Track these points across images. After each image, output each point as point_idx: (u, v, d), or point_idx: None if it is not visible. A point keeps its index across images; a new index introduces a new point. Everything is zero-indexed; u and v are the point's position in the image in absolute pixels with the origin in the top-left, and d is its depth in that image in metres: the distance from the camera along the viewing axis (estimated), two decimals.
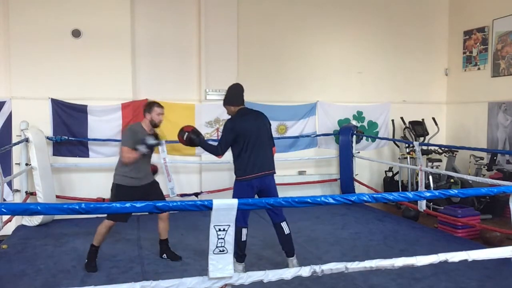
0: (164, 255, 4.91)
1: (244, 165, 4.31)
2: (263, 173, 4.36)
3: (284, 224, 4.48)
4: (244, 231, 4.32)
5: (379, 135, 8.42)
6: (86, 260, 4.60)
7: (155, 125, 4.70)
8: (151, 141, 4.41)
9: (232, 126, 4.32)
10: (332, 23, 8.23)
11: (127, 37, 6.96)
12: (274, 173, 4.50)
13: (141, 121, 4.77)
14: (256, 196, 4.44)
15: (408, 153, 7.71)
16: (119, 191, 4.54)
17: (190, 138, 4.46)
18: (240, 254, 4.34)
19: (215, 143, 4.53)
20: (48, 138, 6.55)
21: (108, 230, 4.60)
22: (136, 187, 4.56)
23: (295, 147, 8.00)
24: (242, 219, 4.25)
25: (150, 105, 4.74)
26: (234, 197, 4.32)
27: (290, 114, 7.91)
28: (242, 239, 4.31)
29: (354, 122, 8.11)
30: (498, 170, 7.08)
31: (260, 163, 4.35)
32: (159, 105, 4.77)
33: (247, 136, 4.31)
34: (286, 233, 4.47)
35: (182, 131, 4.52)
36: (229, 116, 4.52)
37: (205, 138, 7.25)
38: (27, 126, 6.25)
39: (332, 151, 8.20)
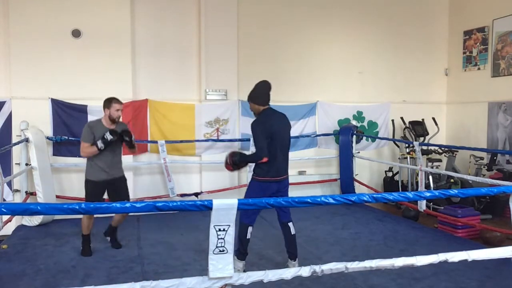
0: (108, 238, 5.27)
1: (267, 166, 4.26)
2: (282, 177, 4.37)
3: (291, 224, 4.47)
4: (250, 229, 4.32)
5: (379, 135, 8.42)
6: (81, 248, 5.02)
7: (113, 120, 4.88)
8: (108, 136, 4.70)
9: (262, 127, 4.26)
10: (332, 23, 8.23)
11: (127, 37, 6.96)
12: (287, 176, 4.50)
13: (101, 118, 4.99)
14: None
15: (408, 153, 7.71)
16: (89, 185, 4.89)
17: (233, 160, 4.33)
18: (242, 251, 4.35)
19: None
20: (48, 138, 6.54)
21: (88, 218, 4.93)
22: (105, 181, 4.88)
23: (295, 147, 7.98)
24: (250, 217, 4.26)
25: (109, 101, 4.91)
26: (248, 194, 4.35)
27: (290, 114, 7.70)
28: (247, 237, 4.31)
29: (354, 122, 8.11)
30: (498, 170, 7.08)
31: (281, 166, 4.35)
32: (117, 101, 4.93)
33: (273, 138, 4.26)
34: (292, 233, 4.47)
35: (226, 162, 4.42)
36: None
37: (205, 138, 7.35)
38: (27, 126, 6.25)
39: (332, 151, 8.20)
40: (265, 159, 4.22)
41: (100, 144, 4.70)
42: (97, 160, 4.83)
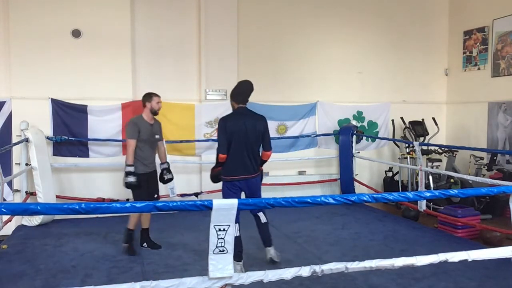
0: (145, 244, 5.22)
1: (229, 165, 4.40)
2: (246, 176, 4.45)
3: (261, 214, 4.59)
4: (236, 226, 4.31)
5: (379, 135, 8.42)
6: (126, 245, 5.03)
7: (155, 113, 5.10)
8: (131, 179, 4.87)
9: (223, 125, 4.41)
10: (332, 23, 8.23)
11: (127, 37, 6.96)
12: (259, 174, 4.59)
13: (141, 113, 5.15)
14: (242, 194, 4.57)
15: (408, 153, 7.71)
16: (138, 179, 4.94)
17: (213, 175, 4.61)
18: (236, 251, 4.32)
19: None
20: (48, 138, 6.55)
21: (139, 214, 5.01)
22: (146, 174, 5.04)
23: (295, 147, 8.00)
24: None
25: (149, 95, 5.13)
26: (223, 195, 4.51)
27: (290, 114, 7.91)
28: (236, 234, 4.30)
29: (354, 122, 8.11)
30: (498, 170, 7.08)
31: (244, 166, 4.42)
32: (156, 94, 5.15)
33: (234, 137, 4.36)
34: (263, 222, 4.58)
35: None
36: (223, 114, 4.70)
37: (205, 138, 7.38)
38: (27, 126, 6.25)
39: (332, 151, 8.20)
40: (221, 156, 4.36)
41: (130, 179, 4.84)
42: (140, 155, 4.96)
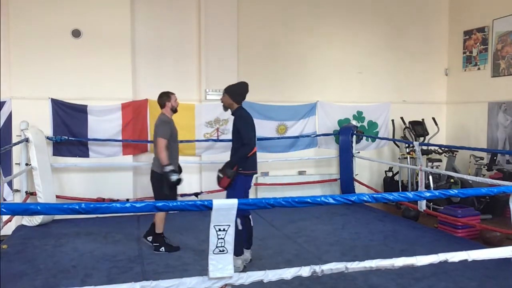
0: (149, 237, 5.23)
1: (252, 159, 4.57)
2: (256, 170, 4.77)
3: (251, 217, 4.73)
4: (239, 220, 4.34)
5: (379, 135, 8.42)
6: (163, 248, 5.06)
7: (175, 110, 5.12)
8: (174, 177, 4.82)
9: (246, 122, 4.57)
10: (332, 23, 8.23)
11: (127, 37, 6.96)
12: None
13: (163, 112, 5.12)
14: None
15: (408, 153, 7.71)
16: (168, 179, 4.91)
17: (226, 172, 4.50)
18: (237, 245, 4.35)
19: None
20: (48, 138, 6.55)
21: (165, 214, 5.08)
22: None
23: (295, 147, 8.00)
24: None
25: (166, 94, 5.14)
26: (237, 189, 4.51)
27: (290, 114, 7.91)
28: (239, 228, 4.32)
29: (354, 122, 8.11)
30: (498, 170, 7.08)
31: (256, 160, 4.70)
32: (173, 93, 5.22)
33: (254, 134, 4.64)
34: (252, 225, 4.74)
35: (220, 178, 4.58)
36: (226, 110, 4.78)
37: (205, 138, 7.37)
38: (27, 126, 6.25)
39: (332, 151, 8.20)
40: (255, 149, 4.52)
41: (173, 177, 4.78)
42: (169, 155, 4.95)
